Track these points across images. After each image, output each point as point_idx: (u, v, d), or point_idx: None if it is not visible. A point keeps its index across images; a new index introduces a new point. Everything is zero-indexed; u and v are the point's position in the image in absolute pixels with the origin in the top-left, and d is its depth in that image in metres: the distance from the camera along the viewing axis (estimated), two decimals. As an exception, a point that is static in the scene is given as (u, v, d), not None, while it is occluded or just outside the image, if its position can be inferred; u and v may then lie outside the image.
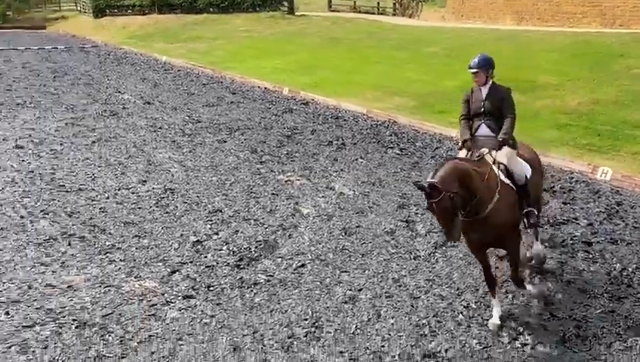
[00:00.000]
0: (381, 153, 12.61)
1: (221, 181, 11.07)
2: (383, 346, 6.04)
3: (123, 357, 5.92)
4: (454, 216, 5.74)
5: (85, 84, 21.19)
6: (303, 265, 7.80)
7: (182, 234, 8.76)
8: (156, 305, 6.88)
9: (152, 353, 5.97)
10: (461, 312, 6.62)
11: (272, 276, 7.52)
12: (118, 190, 10.63)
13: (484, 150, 6.42)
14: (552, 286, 7.12)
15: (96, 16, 43.54)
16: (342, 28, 30.77)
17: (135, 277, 7.52)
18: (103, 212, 9.65)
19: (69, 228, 8.98)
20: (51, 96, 18.93)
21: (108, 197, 10.28)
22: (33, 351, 6.01)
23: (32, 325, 6.45)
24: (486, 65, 6.64)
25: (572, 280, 7.27)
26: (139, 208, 9.80)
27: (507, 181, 6.36)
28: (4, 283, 7.35)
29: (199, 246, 8.35)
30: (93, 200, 10.15)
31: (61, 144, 13.58)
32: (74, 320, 6.55)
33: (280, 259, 7.98)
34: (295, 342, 6.12)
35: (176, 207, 9.86)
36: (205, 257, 8.04)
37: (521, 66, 18.13)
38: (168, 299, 6.99)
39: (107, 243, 8.48)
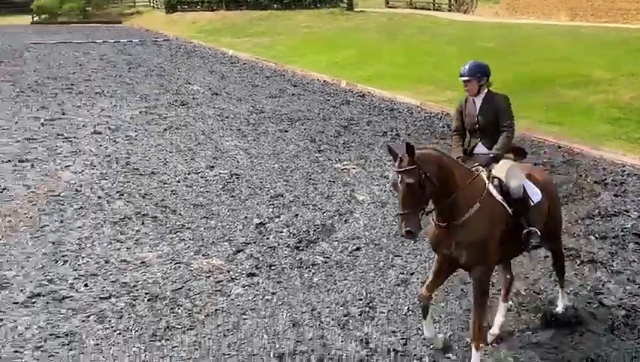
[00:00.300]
0: (434, 144, 12.48)
1: (282, 168, 11.17)
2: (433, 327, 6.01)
3: (191, 329, 6.05)
4: (417, 203, 4.88)
5: (158, 75, 21.61)
6: (358, 249, 7.81)
7: (246, 217, 8.88)
8: (222, 281, 7.01)
9: (218, 326, 6.09)
10: (511, 298, 6.52)
11: (328, 258, 7.57)
12: (188, 174, 10.84)
13: (479, 167, 5.49)
14: (602, 276, 6.95)
15: (168, 12, 44.33)
16: (398, 23, 30.49)
17: (203, 255, 7.67)
18: (173, 194, 9.86)
19: (142, 209, 9.21)
20: (126, 86, 19.38)
21: (178, 181, 10.50)
22: (109, 321, 6.19)
23: (108, 297, 6.65)
24: (478, 73, 5.65)
25: (621, 270, 7.08)
26: (207, 191, 9.97)
27: (497, 196, 5.36)
28: (83, 257, 7.60)
29: (262, 228, 8.46)
30: (164, 183, 10.38)
31: (135, 131, 13.91)
32: (146, 293, 6.72)
33: (336, 243, 8.01)
34: (350, 321, 6.15)
35: (241, 191, 10.00)
36: (267, 238, 8.14)
37: (575, 61, 17.66)
38: (233, 277, 7.11)
39: (177, 223, 8.66)
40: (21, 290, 6.76)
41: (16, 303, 6.49)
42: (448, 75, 18.67)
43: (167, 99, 17.44)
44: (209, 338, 5.87)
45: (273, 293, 6.67)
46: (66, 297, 6.62)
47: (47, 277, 7.06)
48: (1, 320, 6.16)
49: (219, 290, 6.80)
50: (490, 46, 22.16)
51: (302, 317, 6.23)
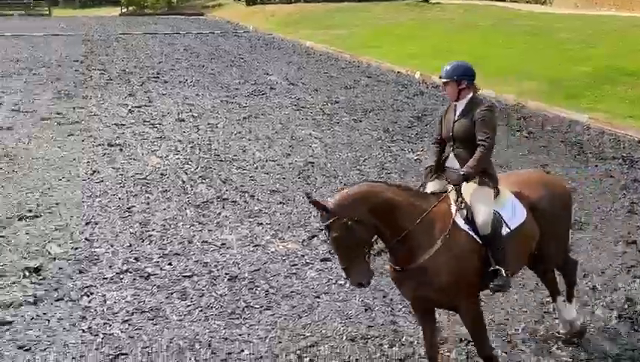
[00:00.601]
0: (509, 136, 12.20)
1: (356, 157, 11.18)
2: (506, 319, 5.91)
3: (267, 309, 6.18)
4: (355, 253, 4.30)
5: (238, 66, 21.96)
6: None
7: (320, 203, 8.94)
8: (297, 265, 7.11)
9: (293, 307, 6.19)
10: (586, 293, 6.33)
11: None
12: (266, 161, 11.01)
13: (448, 186, 4.77)
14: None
15: (249, 4, 44.88)
16: (475, 14, 29.82)
17: (279, 239, 7.80)
18: (252, 180, 10.04)
19: (223, 193, 9.42)
20: (209, 76, 19.79)
21: (257, 168, 10.67)
22: (191, 298, 6.39)
23: (190, 275, 6.86)
24: (456, 75, 4.88)
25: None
26: (283, 178, 10.10)
27: (465, 226, 4.58)
28: (167, 238, 7.86)
29: (336, 216, 8.49)
30: (244, 170, 10.58)
31: (217, 118, 14.20)
32: (226, 273, 6.90)
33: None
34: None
35: (316, 178, 10.08)
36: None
37: (658, 54, 16.83)
38: (308, 261, 7.20)
39: (256, 208, 8.82)
40: (110, 266, 7.07)
41: (106, 278, 6.79)
42: (526, 65, 18.20)
43: (246, 89, 17.71)
44: (285, 319, 5.98)
45: (346, 278, 6.69)
46: (152, 274, 6.87)
47: (134, 255, 7.35)
48: (92, 294, 6.46)
49: (294, 273, 6.91)
50: (570, 37, 21.40)
51: (374, 302, 6.25)
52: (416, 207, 4.50)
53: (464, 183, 4.69)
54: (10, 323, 5.92)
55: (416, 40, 24.79)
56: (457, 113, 4.89)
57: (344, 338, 5.64)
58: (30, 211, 8.66)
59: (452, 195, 4.69)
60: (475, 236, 4.59)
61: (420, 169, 10.37)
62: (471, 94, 4.91)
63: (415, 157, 11.06)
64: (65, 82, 18.38)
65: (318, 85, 18.11)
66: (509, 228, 4.71)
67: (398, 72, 19.99)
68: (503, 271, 4.59)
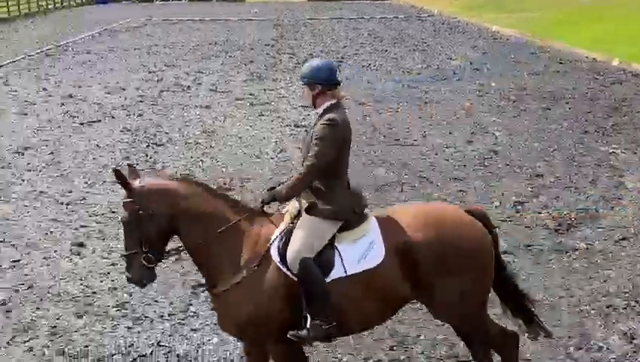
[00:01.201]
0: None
1: (543, 148, 10.62)
2: None
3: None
4: (136, 245, 3.85)
5: (421, 50, 21.79)
6: (624, 238, 7.17)
7: (503, 194, 8.63)
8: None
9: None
10: None
11: (591, 245, 7.05)
12: (446, 148, 10.83)
13: (289, 206, 4.08)
14: None
15: (433, -12, 44.19)
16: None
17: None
18: (431, 166, 9.94)
19: (401, 177, 9.44)
20: (391, 61, 19.85)
21: (437, 154, 10.55)
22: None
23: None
24: (310, 79, 4.00)
25: None
26: (463, 166, 9.88)
27: (277, 259, 3.89)
28: (348, 218, 8.02)
29: (519, 207, 8.16)
30: (423, 155, 10.50)
31: (397, 103, 14.21)
32: (404, 257, 6.90)
33: (600, 230, 7.43)
34: (613, 313, 5.69)
35: (499, 167, 9.74)
36: (525, 218, 7.83)
37: None
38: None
39: (435, 194, 8.73)
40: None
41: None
42: None
43: (428, 73, 17.53)
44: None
45: (530, 274, 6.41)
46: (332, 252, 7.06)
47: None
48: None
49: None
50: None
51: (558, 301, 5.92)
52: (223, 221, 3.91)
53: (293, 207, 4.01)
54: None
55: (612, 22, 22.89)
56: (312, 124, 4.11)
57: (527, 334, 5.40)
58: (224, 184, 9.30)
59: (286, 219, 4.03)
60: (288, 272, 3.88)
61: (614, 163, 9.65)
62: (328, 103, 4.00)
63: (610, 151, 10.26)
64: (257, 65, 19.45)
65: (504, 70, 17.44)
66: (345, 272, 3.87)
67: (593, 59, 18.65)
68: (312, 321, 3.80)
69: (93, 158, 10.60)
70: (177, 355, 5.21)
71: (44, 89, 16.26)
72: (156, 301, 6.03)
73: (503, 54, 20.20)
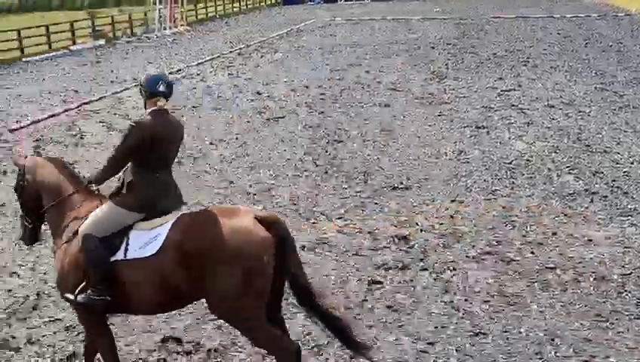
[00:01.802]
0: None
1: None
2: None
3: (638, 318, 5.61)
4: (24, 210, 4.85)
5: (616, 51, 20.23)
6: None
7: None
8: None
9: None
10: None
11: None
12: (644, 156, 9.96)
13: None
14: None
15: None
16: None
17: (656, 245, 7.00)
18: (626, 175, 9.18)
19: (592, 186, 8.82)
20: (582, 62, 18.65)
21: (632, 163, 9.72)
22: (553, 291, 6.13)
23: (553, 268, 6.58)
24: (142, 87, 4.56)
25: None
26: (665, 177, 9.02)
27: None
28: (531, 225, 7.64)
29: None
30: (617, 163, 9.74)
31: (589, 107, 13.31)
32: (592, 272, 6.44)
33: None
34: None
35: None
36: None
37: None
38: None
39: (629, 206, 8.06)
40: (473, 246, 7.19)
41: (468, 257, 6.93)
42: None
43: (625, 76, 16.21)
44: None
45: None
46: (513, 260, 6.79)
47: (497, 238, 7.34)
48: (455, 270, 6.65)
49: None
50: None
51: None
52: (63, 194, 4.63)
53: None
54: (380, 283, 6.46)
55: None
56: None
57: None
58: (401, 183, 9.31)
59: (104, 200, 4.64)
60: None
61: None
62: (151, 109, 4.53)
63: None
64: (437, 64, 19.22)
65: None
66: (125, 257, 4.36)
67: None
68: (90, 289, 4.39)
69: (278, 152, 11.13)
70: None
71: (236, 85, 17.38)
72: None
73: None
